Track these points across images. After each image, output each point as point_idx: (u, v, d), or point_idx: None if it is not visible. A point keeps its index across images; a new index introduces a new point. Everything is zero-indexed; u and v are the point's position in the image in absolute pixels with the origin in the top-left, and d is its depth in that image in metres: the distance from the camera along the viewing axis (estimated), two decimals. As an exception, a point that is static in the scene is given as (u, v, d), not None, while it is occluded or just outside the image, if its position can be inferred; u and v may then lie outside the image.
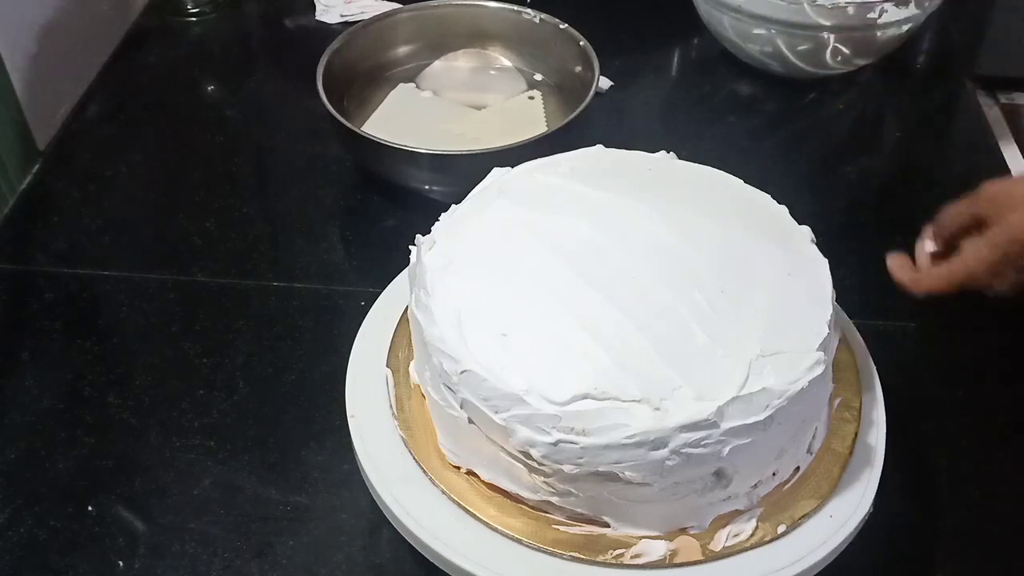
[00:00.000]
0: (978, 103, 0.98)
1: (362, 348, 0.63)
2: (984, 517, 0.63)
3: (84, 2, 0.96)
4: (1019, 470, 0.66)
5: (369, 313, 0.65)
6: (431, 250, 0.56)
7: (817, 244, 0.58)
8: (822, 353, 0.51)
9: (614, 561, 0.52)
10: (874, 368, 0.61)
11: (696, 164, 0.63)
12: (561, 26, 0.90)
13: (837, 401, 0.58)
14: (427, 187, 0.80)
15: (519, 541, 0.52)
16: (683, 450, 0.48)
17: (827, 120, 0.99)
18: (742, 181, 0.61)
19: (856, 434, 0.57)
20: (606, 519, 0.53)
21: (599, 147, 0.64)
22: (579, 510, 0.53)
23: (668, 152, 0.63)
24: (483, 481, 0.55)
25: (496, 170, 0.62)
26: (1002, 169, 0.89)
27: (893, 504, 0.57)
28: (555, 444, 0.48)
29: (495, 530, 0.53)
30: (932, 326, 0.75)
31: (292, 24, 1.08)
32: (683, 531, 0.53)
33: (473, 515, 0.53)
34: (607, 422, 0.48)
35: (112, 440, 0.66)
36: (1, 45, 0.81)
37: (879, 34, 0.92)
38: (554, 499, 0.52)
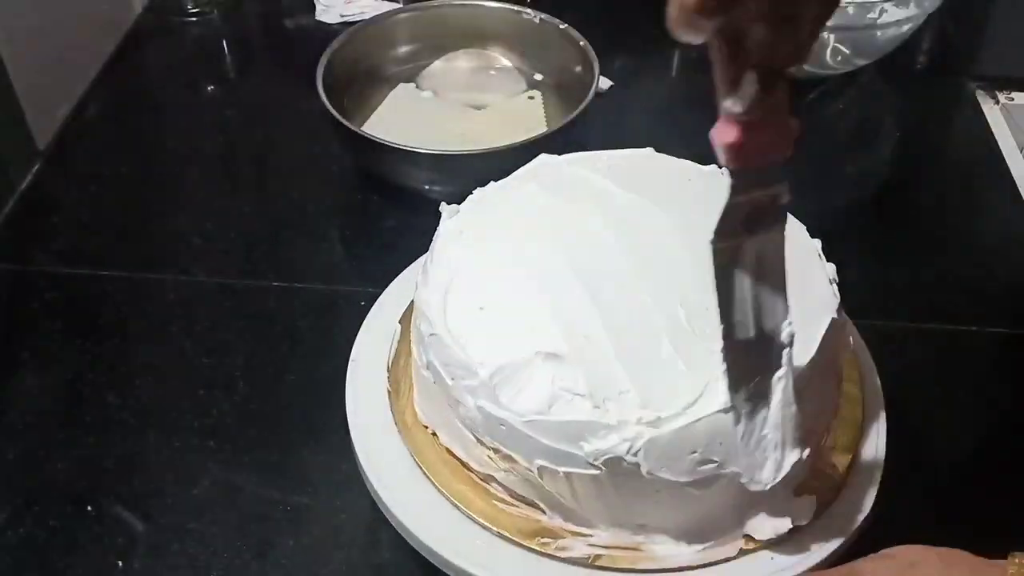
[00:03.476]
0: (978, 103, 0.98)
1: (362, 348, 0.63)
2: (985, 517, 0.63)
3: (84, 2, 0.96)
4: (1020, 470, 0.66)
5: (370, 313, 0.65)
6: (452, 218, 0.59)
7: (815, 242, 0.58)
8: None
9: (539, 548, 0.52)
10: (875, 368, 0.61)
11: None
12: (561, 26, 0.90)
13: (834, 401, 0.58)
14: (427, 187, 0.80)
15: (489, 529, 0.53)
16: (603, 458, 0.48)
17: (827, 120, 0.99)
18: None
19: (858, 433, 0.57)
20: (540, 506, 0.53)
21: (650, 150, 0.64)
22: (517, 491, 0.54)
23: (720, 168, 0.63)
24: (443, 445, 0.57)
25: (542, 156, 0.63)
26: (1002, 169, 0.89)
27: (894, 505, 0.57)
28: (486, 417, 0.50)
29: (490, 530, 0.53)
30: (932, 326, 0.75)
31: (292, 24, 1.08)
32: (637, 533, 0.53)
33: (434, 484, 0.55)
34: (538, 406, 0.49)
35: (112, 440, 0.66)
36: (1, 45, 0.81)
37: (879, 34, 0.92)
38: (497, 475, 0.53)
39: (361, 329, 0.64)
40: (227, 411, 0.68)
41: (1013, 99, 0.98)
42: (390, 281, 0.66)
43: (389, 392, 0.60)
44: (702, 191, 0.61)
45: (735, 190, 0.42)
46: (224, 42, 1.07)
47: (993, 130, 0.94)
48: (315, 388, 0.69)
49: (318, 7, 1.07)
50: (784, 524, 0.52)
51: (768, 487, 0.49)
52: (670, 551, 0.52)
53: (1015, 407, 0.70)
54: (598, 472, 0.49)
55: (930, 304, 0.77)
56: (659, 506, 0.51)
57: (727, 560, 0.52)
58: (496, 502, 0.54)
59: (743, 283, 0.44)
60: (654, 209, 0.58)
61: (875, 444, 0.57)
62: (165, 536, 0.61)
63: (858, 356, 0.62)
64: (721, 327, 0.44)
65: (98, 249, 0.81)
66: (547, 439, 0.49)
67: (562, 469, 0.50)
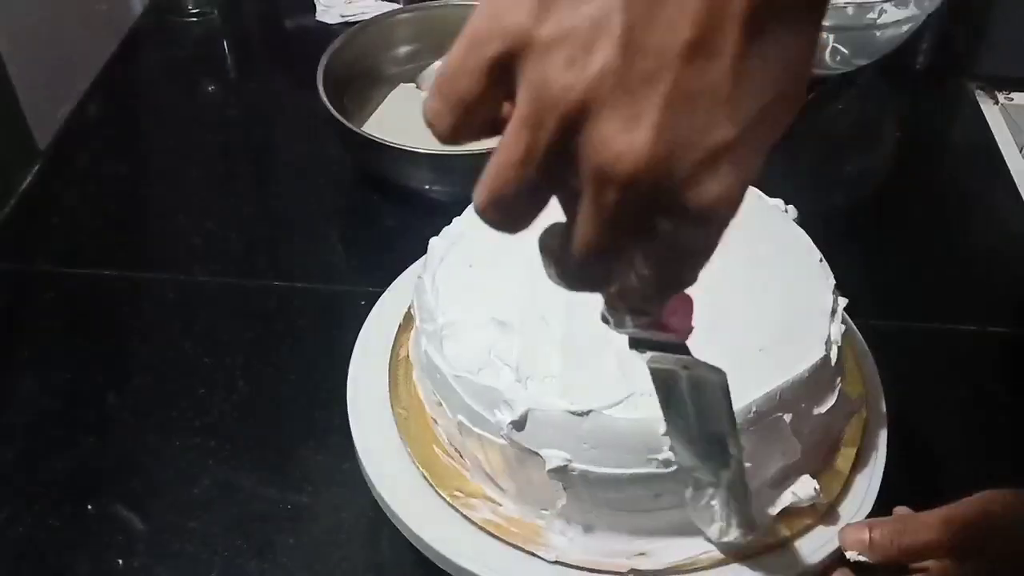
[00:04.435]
0: (978, 103, 0.98)
1: (363, 348, 0.63)
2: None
3: (84, 2, 0.96)
4: (1020, 470, 0.66)
5: (370, 313, 0.65)
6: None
7: (818, 244, 0.58)
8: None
9: (449, 499, 0.54)
10: (875, 368, 0.61)
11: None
12: (561, 26, 0.90)
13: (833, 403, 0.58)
14: (427, 187, 0.80)
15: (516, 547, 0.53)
16: (505, 431, 0.50)
17: (827, 120, 0.99)
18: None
19: (862, 433, 0.57)
20: (466, 462, 0.55)
21: None
22: (451, 442, 0.56)
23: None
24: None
25: None
26: (1002, 169, 0.89)
27: (895, 504, 0.57)
28: (428, 362, 0.53)
29: (487, 531, 0.53)
30: (932, 326, 0.75)
31: (292, 24, 1.08)
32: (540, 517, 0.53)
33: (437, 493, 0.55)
34: (469, 365, 0.51)
35: (111, 440, 0.66)
36: (1, 45, 0.81)
37: (879, 34, 0.92)
38: (439, 420, 0.55)
39: (361, 329, 0.64)
40: (227, 411, 0.68)
41: (1013, 99, 0.98)
42: (390, 281, 0.66)
43: (389, 392, 0.60)
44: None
45: (632, 347, 0.38)
46: (224, 42, 1.07)
47: (993, 130, 0.94)
48: (315, 388, 0.69)
49: (318, 7, 1.07)
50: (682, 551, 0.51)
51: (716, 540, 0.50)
52: (563, 544, 0.52)
53: (1015, 407, 0.70)
54: (503, 443, 0.50)
55: (930, 304, 0.77)
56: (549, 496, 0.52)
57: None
58: (437, 449, 0.56)
59: (682, 395, 0.41)
60: None
61: (876, 444, 0.57)
62: (165, 536, 0.61)
63: (859, 356, 0.61)
64: (664, 418, 0.44)
65: (98, 249, 0.81)
66: (468, 398, 0.51)
67: (476, 430, 0.51)
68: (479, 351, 0.52)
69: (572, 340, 0.51)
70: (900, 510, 0.52)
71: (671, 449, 0.46)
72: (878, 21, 0.90)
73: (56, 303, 0.76)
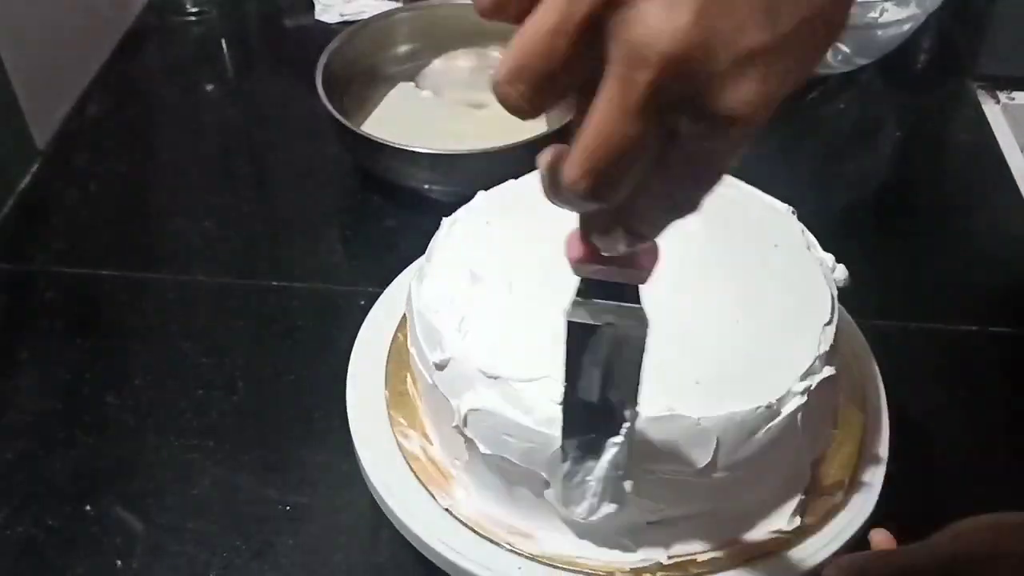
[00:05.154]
0: (978, 103, 0.97)
1: (362, 348, 0.63)
2: (985, 517, 0.63)
3: (84, 2, 0.96)
4: (1020, 470, 0.66)
5: (369, 313, 0.65)
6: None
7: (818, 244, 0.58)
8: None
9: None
10: (876, 368, 0.61)
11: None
12: (561, 26, 0.90)
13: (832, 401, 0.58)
14: (427, 187, 0.80)
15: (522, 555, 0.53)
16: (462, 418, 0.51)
17: (827, 120, 0.99)
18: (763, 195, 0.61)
19: (858, 435, 0.57)
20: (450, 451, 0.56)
21: None
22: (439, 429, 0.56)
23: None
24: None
25: None
26: (1002, 169, 0.89)
27: (896, 504, 0.57)
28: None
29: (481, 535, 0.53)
30: (932, 326, 0.75)
31: (292, 24, 1.08)
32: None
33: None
34: (431, 306, 0.53)
35: (111, 440, 0.66)
36: (1, 45, 0.81)
37: (879, 34, 0.92)
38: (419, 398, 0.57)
39: (361, 329, 0.64)
40: (227, 411, 0.68)
41: (1013, 99, 0.98)
42: (390, 281, 0.66)
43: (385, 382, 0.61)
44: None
45: (580, 294, 0.38)
46: (224, 42, 1.06)
47: (993, 130, 0.94)
48: (315, 388, 0.69)
49: (318, 7, 1.07)
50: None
51: (580, 520, 0.48)
52: (460, 497, 0.55)
53: (1015, 407, 0.70)
54: (430, 383, 0.52)
55: (930, 304, 0.77)
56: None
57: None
58: (409, 384, 0.59)
59: (594, 354, 0.41)
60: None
61: (877, 444, 0.57)
62: (165, 536, 0.61)
63: (859, 355, 0.61)
64: (564, 378, 0.42)
65: (98, 249, 0.80)
66: (419, 331, 0.54)
67: (418, 364, 0.54)
68: (445, 295, 0.54)
69: (526, 309, 0.52)
70: (877, 534, 0.51)
71: (563, 418, 0.45)
72: (879, 20, 0.90)
73: (56, 303, 0.76)
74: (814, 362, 0.51)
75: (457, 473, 0.55)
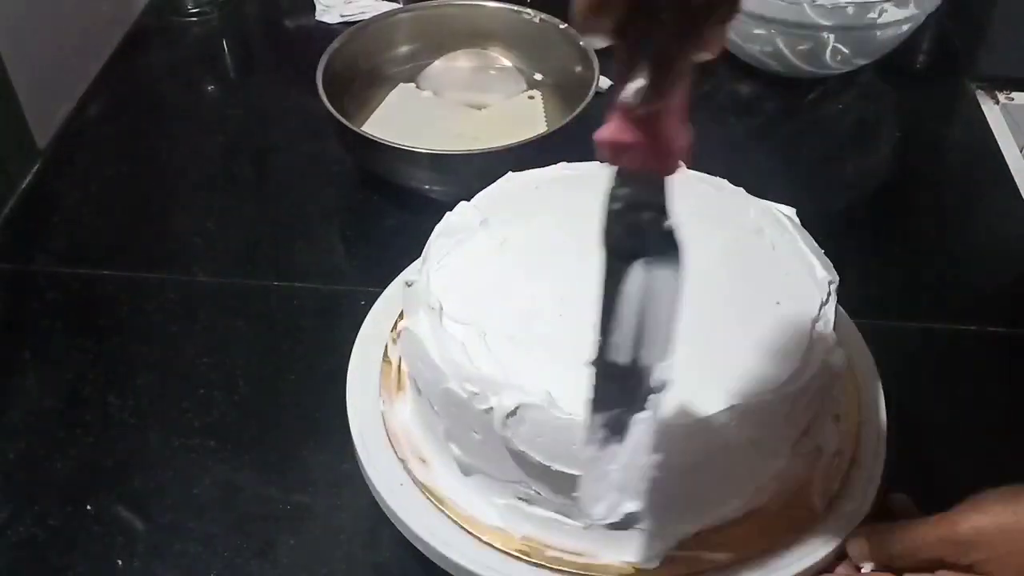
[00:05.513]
0: (978, 103, 0.98)
1: (362, 348, 0.63)
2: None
3: (84, 2, 0.96)
4: (1020, 470, 0.66)
5: (369, 313, 0.65)
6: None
7: (818, 244, 0.58)
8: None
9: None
10: (875, 368, 0.61)
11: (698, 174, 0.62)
12: (561, 26, 0.90)
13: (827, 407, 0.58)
14: (427, 187, 0.80)
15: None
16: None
17: (827, 120, 0.99)
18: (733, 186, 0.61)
19: (857, 434, 0.57)
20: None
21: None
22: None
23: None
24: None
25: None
26: (1002, 169, 0.89)
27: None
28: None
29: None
30: (932, 326, 0.75)
31: (292, 24, 1.08)
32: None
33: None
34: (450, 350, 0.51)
35: (112, 440, 0.66)
36: (1, 45, 0.81)
37: (879, 34, 0.92)
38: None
39: (361, 329, 0.64)
40: (227, 410, 0.68)
41: (1013, 99, 0.98)
42: (390, 281, 0.66)
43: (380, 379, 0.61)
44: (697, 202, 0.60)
45: (612, 196, 0.40)
46: (224, 42, 1.07)
47: (993, 130, 0.94)
48: (315, 388, 0.69)
49: (318, 7, 1.07)
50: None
51: (590, 523, 0.46)
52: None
53: (1015, 407, 0.70)
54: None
55: (930, 304, 0.77)
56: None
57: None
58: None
59: (628, 307, 0.41)
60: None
61: (876, 444, 0.57)
62: (165, 536, 0.61)
63: (858, 355, 0.62)
64: (597, 343, 0.42)
65: (98, 249, 0.81)
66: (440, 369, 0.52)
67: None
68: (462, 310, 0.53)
69: (551, 341, 0.51)
70: (897, 500, 0.52)
71: (592, 384, 0.43)
72: (878, 21, 0.90)
73: (56, 303, 0.76)
74: (808, 360, 0.51)
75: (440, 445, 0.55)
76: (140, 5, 1.07)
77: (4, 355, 0.72)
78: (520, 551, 0.52)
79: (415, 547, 0.54)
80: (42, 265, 0.79)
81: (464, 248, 0.57)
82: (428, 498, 0.55)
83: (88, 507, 0.62)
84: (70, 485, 0.63)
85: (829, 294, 0.54)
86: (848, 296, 0.56)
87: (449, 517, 0.54)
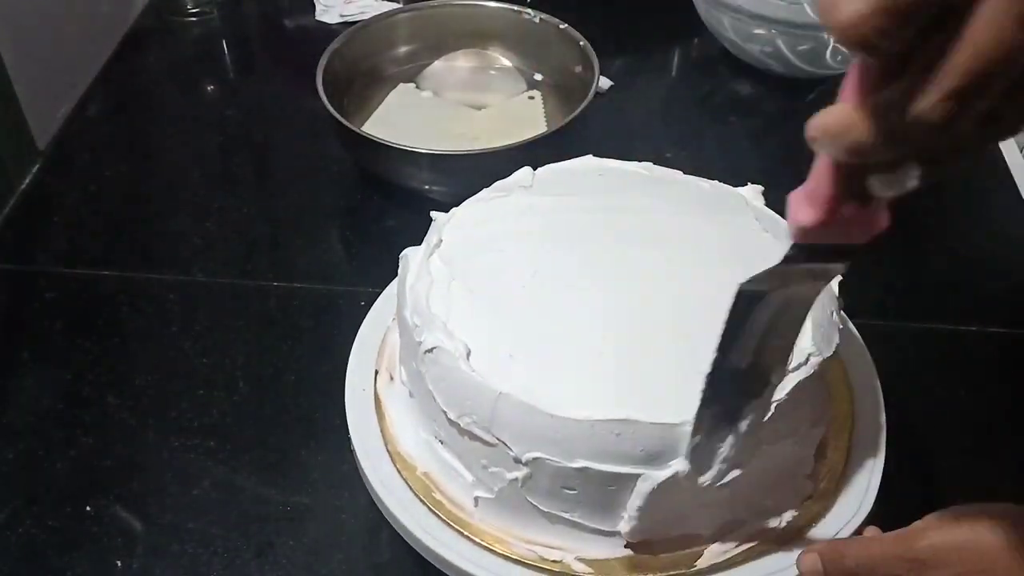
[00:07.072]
0: (978, 103, 0.97)
1: (362, 348, 0.63)
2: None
3: (84, 2, 0.96)
4: (1020, 470, 0.66)
5: (369, 313, 0.65)
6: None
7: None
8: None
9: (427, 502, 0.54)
10: (874, 368, 0.61)
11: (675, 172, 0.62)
12: (561, 26, 0.90)
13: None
14: (427, 187, 0.80)
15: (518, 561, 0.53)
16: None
17: (827, 120, 0.99)
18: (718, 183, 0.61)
19: (854, 434, 0.57)
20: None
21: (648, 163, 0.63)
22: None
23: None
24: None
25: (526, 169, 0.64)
26: (1002, 169, 0.89)
27: (893, 505, 0.57)
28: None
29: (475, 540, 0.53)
30: (932, 326, 0.75)
31: (292, 24, 1.08)
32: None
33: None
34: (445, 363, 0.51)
35: (111, 440, 0.66)
36: (1, 45, 0.81)
37: (879, 34, 0.92)
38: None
39: (361, 329, 0.64)
40: (227, 411, 0.68)
41: (1013, 99, 0.98)
42: (390, 281, 0.66)
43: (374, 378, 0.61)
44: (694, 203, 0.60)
45: (789, 260, 0.38)
46: (224, 42, 1.07)
47: (993, 130, 0.94)
48: (315, 388, 0.69)
49: (318, 7, 1.07)
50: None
51: (706, 485, 0.48)
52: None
53: (1015, 407, 0.70)
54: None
55: (930, 304, 0.77)
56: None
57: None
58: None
59: (759, 320, 0.41)
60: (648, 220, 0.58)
61: (875, 444, 0.57)
62: (165, 536, 0.61)
63: (857, 355, 0.61)
64: (717, 348, 0.42)
65: (98, 249, 0.81)
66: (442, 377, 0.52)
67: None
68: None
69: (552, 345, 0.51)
70: (869, 531, 0.51)
71: (705, 390, 0.44)
72: (878, 21, 0.90)
73: (56, 303, 0.76)
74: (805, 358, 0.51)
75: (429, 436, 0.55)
76: (140, 5, 1.07)
77: (4, 355, 0.72)
78: (519, 556, 0.52)
79: (415, 547, 0.54)
80: (42, 265, 0.79)
81: (500, 203, 0.58)
82: (423, 501, 0.55)
83: (88, 508, 0.62)
84: (69, 485, 0.63)
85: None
86: (848, 296, 0.56)
87: (446, 520, 0.54)
